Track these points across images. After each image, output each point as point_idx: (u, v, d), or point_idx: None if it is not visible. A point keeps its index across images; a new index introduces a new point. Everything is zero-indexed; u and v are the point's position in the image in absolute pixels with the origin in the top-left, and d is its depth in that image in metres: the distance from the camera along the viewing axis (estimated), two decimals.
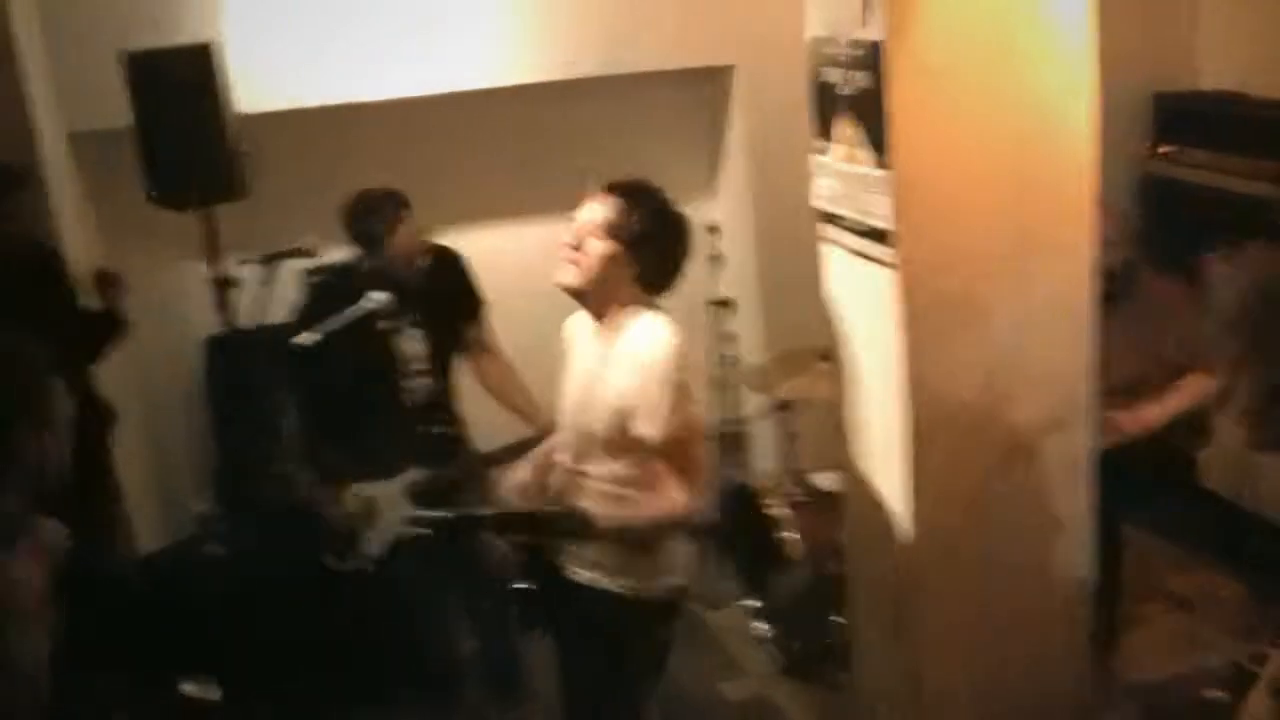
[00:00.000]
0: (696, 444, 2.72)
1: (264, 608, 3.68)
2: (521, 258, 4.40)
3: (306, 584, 3.63)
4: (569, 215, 2.78)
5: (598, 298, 2.78)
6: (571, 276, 2.75)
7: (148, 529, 4.50)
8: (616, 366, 2.72)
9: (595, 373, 2.78)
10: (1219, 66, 4.83)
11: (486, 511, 2.79)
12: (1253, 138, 4.42)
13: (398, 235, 3.63)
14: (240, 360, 3.85)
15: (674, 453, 2.65)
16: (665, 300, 4.89)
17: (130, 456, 4.41)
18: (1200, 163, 4.63)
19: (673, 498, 2.65)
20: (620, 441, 2.68)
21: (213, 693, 2.34)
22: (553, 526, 2.43)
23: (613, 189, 2.77)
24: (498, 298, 3.89)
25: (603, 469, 2.76)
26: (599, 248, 2.72)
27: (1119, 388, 3.73)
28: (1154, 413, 3.72)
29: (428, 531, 2.68)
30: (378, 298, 2.78)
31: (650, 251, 2.76)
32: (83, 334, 3.82)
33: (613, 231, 2.71)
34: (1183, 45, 4.89)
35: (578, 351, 2.90)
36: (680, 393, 2.65)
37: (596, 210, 2.75)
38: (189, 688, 2.31)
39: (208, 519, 4.10)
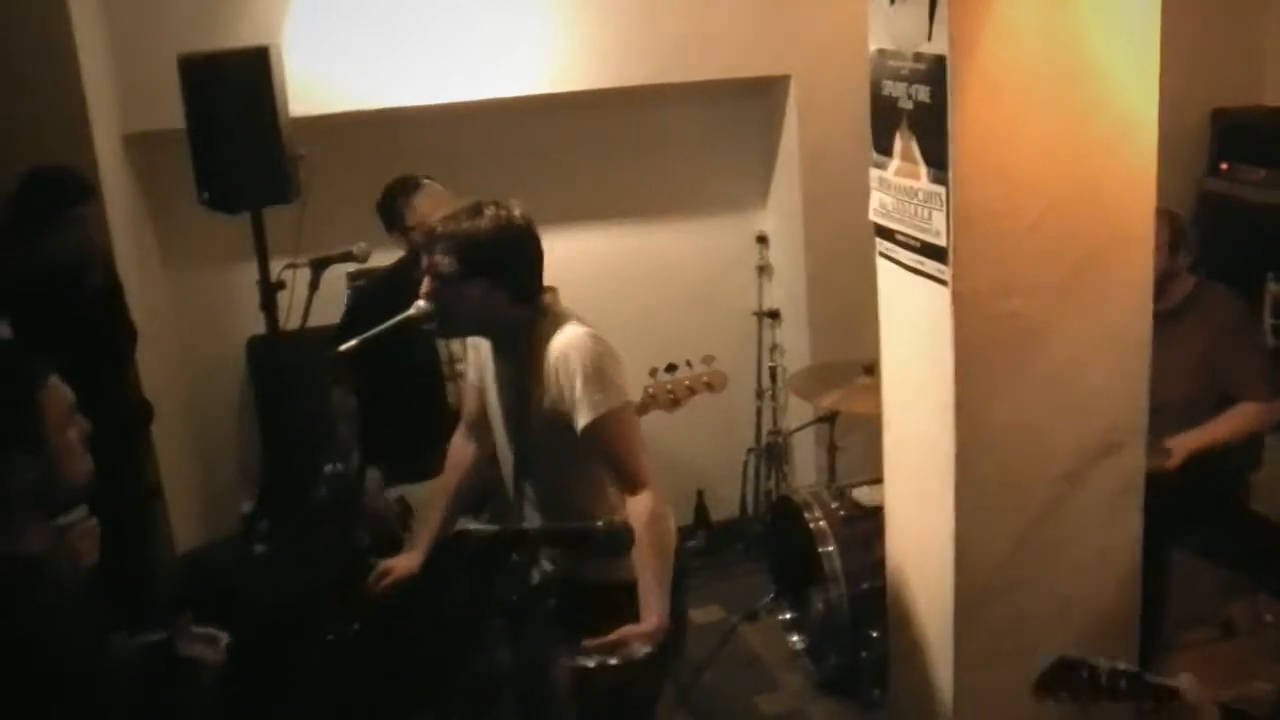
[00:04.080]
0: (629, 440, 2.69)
1: (306, 606, 3.69)
2: (574, 264, 4.40)
3: (349, 584, 3.63)
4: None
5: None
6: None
7: (193, 528, 4.54)
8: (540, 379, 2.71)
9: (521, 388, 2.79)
10: (1279, 83, 4.77)
11: (532, 527, 2.78)
12: None
13: (417, 203, 3.68)
14: (283, 362, 3.85)
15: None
16: (718, 308, 4.94)
17: (176, 456, 4.44)
18: (1259, 180, 4.56)
19: (646, 510, 2.62)
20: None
21: (218, 650, 2.29)
22: (601, 542, 2.41)
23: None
24: None
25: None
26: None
27: (1169, 406, 3.68)
28: (1193, 443, 3.67)
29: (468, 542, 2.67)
30: (421, 305, 2.78)
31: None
32: (117, 338, 3.85)
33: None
34: (1242, 61, 4.84)
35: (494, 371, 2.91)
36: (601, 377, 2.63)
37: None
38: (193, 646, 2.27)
39: (252, 519, 4.11)
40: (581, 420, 2.64)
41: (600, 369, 2.64)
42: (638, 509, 2.62)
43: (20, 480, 1.84)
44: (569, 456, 2.72)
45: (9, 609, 1.80)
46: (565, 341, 2.67)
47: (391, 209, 3.79)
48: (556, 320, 2.73)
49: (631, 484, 2.65)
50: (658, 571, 2.61)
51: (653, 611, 2.59)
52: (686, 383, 3.64)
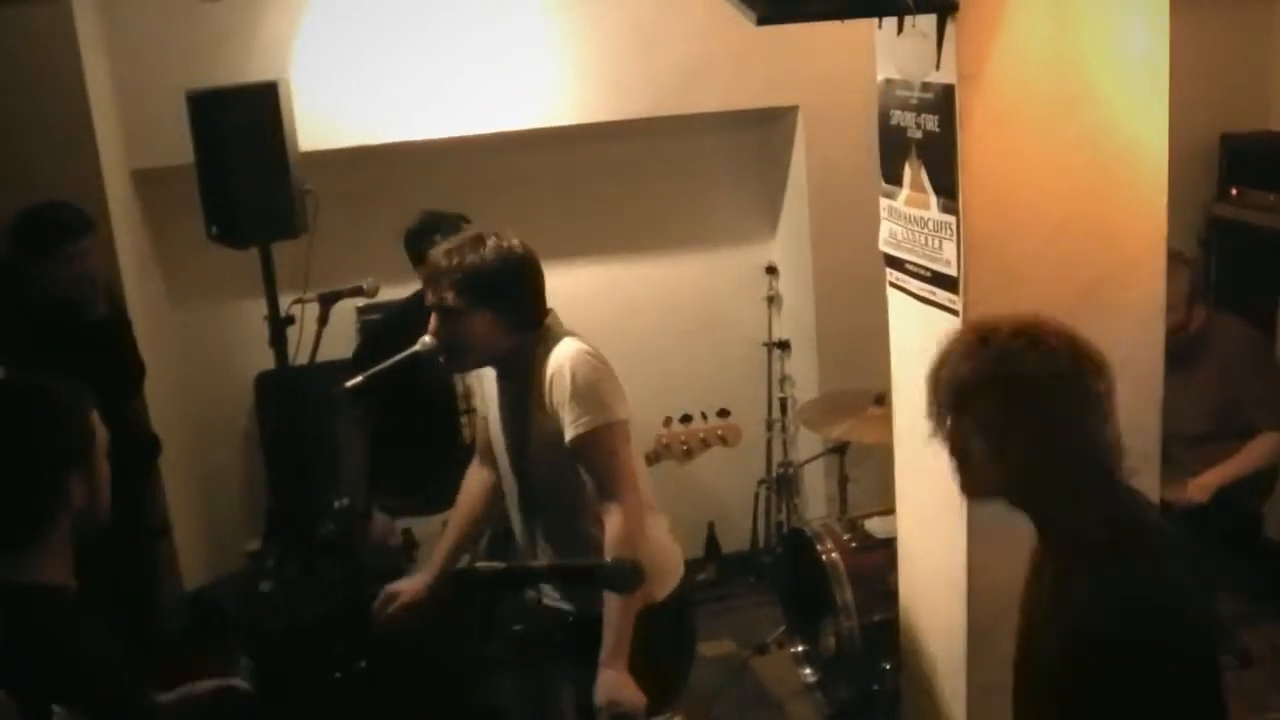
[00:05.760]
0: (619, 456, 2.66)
1: (314, 644, 3.66)
2: (583, 297, 4.40)
3: (357, 620, 3.61)
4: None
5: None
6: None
7: (200, 564, 4.51)
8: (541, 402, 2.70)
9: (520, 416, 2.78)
10: None
11: (540, 564, 2.76)
12: None
13: None
14: (291, 398, 3.84)
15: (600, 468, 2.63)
16: (727, 339, 4.93)
17: (183, 492, 4.43)
18: (1269, 205, 4.55)
19: (617, 527, 2.59)
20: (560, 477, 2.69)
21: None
22: (607, 578, 2.38)
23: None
24: None
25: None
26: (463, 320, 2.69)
27: (1187, 439, 3.66)
28: (1217, 478, 3.65)
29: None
30: (427, 341, 2.77)
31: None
32: (125, 372, 3.85)
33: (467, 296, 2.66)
34: (1251, 86, 4.83)
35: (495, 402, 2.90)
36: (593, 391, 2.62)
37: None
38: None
39: (259, 556, 4.09)
40: (568, 434, 2.63)
41: (592, 384, 2.63)
42: (610, 527, 2.61)
43: (72, 505, 1.83)
44: (572, 485, 2.70)
45: (42, 641, 1.77)
46: (561, 357, 2.67)
47: (423, 247, 3.77)
48: (554, 338, 2.73)
49: (606, 497, 2.62)
50: (617, 604, 2.55)
51: (610, 658, 2.54)
52: (701, 435, 3.61)
